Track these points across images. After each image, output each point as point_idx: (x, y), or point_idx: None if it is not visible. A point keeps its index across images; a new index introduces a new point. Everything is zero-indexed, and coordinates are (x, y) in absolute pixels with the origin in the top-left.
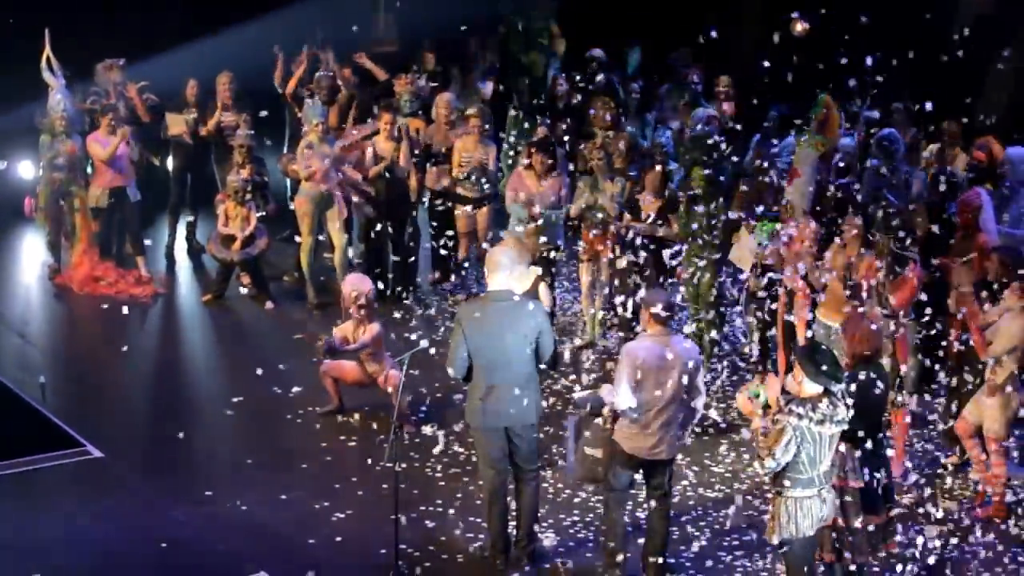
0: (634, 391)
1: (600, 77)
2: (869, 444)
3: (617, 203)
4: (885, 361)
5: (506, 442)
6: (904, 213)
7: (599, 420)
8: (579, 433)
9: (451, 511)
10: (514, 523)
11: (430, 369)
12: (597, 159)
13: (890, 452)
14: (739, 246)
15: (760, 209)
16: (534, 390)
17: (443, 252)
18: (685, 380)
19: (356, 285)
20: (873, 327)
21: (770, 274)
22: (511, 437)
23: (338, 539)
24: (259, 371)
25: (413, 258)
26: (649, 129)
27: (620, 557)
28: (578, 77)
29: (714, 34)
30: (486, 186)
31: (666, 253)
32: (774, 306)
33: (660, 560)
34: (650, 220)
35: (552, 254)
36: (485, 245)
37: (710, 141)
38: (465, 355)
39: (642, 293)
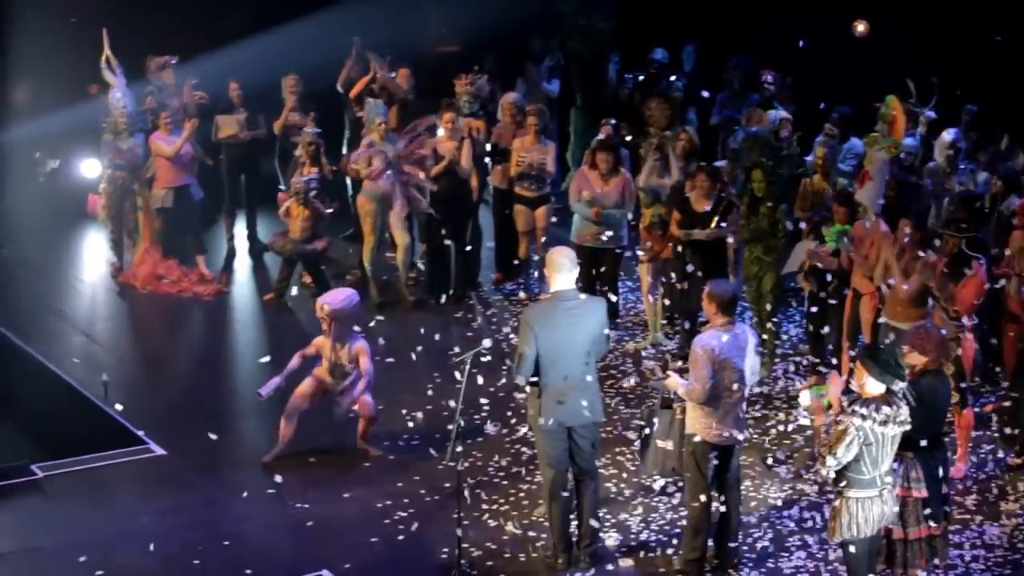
0: (712, 381)
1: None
2: (931, 452)
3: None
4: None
5: (568, 442)
6: (960, 210)
7: (670, 411)
8: (650, 424)
9: (513, 511)
10: (576, 523)
11: (491, 368)
12: (653, 159)
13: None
14: (796, 248)
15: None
16: (597, 389)
17: (506, 251)
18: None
19: (323, 299)
20: (943, 332)
21: (828, 276)
22: (574, 436)
23: (400, 538)
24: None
25: (475, 258)
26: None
27: (703, 549)
28: (641, 77)
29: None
30: (544, 185)
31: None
32: (831, 301)
33: (732, 547)
34: (714, 224)
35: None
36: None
37: (776, 142)
38: (534, 356)
39: (708, 286)
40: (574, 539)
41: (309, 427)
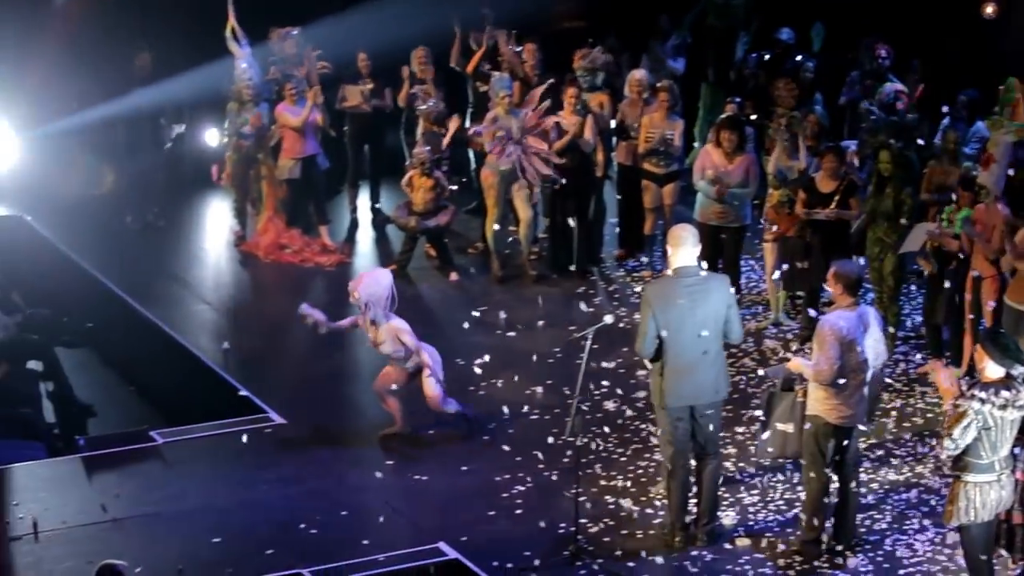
0: (839, 362)
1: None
2: None
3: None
4: None
5: (690, 420)
6: None
7: (791, 394)
8: (770, 408)
9: (631, 487)
10: (694, 501)
11: (613, 344)
12: (780, 138)
13: None
14: (915, 229)
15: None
16: (721, 368)
17: (629, 228)
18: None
19: (352, 285)
20: None
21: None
22: (696, 416)
23: (517, 512)
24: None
25: (597, 233)
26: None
27: (820, 530)
28: (767, 56)
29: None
30: (673, 162)
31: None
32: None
33: (850, 529)
34: (835, 204)
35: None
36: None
37: (897, 118)
38: (654, 334)
39: (834, 266)
40: (692, 518)
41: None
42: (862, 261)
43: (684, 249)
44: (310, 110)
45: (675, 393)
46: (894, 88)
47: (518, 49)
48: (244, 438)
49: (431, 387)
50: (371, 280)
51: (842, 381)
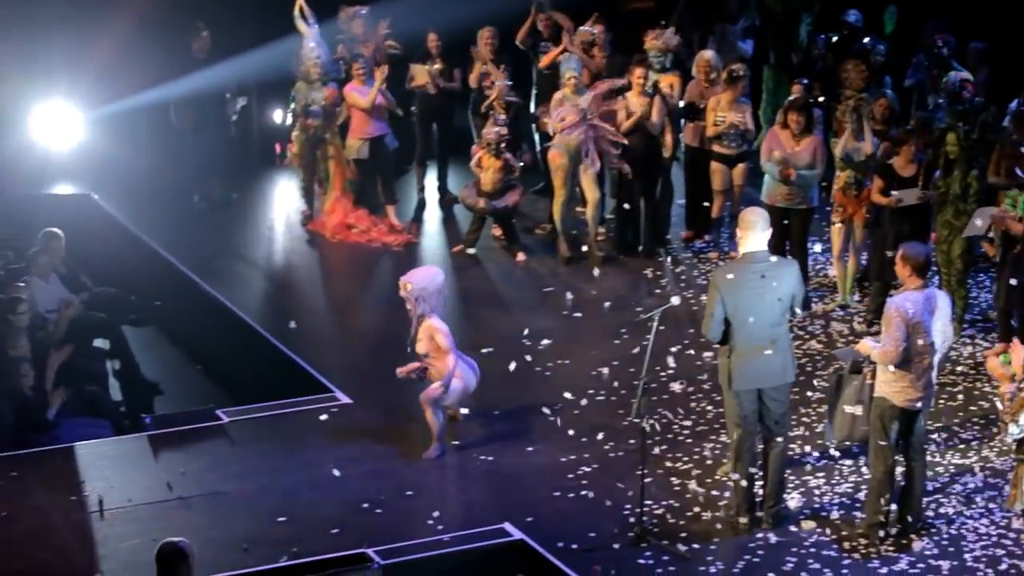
0: (905, 344)
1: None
2: None
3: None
4: None
5: (758, 403)
6: None
7: (859, 376)
8: (839, 390)
9: (697, 469)
10: (760, 484)
11: (679, 326)
12: (850, 120)
13: None
14: (979, 212)
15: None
16: (789, 352)
17: (696, 209)
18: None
19: (406, 276)
20: None
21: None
22: (764, 398)
23: (583, 493)
24: (508, 322)
25: (665, 214)
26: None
27: (886, 513)
28: (834, 38)
29: None
30: (743, 143)
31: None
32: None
33: (916, 512)
34: (920, 188)
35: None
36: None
37: (964, 107)
38: (722, 317)
39: (902, 249)
40: (757, 500)
41: (491, 381)
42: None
43: (754, 233)
44: (377, 91)
45: (743, 376)
46: (959, 77)
47: (592, 30)
48: (323, 416)
49: (434, 389)
50: (425, 274)
51: (908, 363)
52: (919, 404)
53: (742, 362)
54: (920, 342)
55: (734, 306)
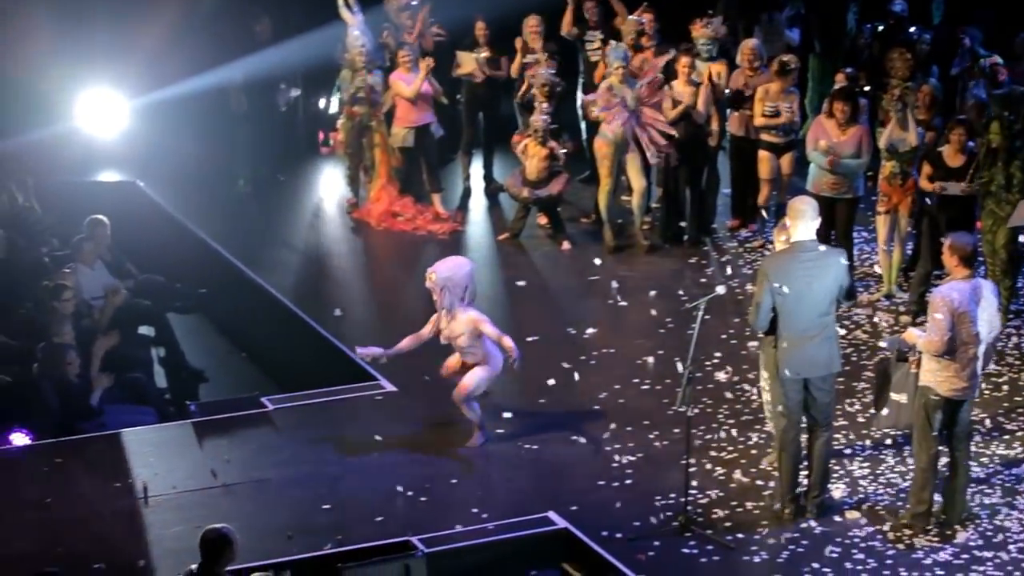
0: (950, 334)
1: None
2: None
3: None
4: None
5: (803, 393)
6: None
7: (905, 365)
8: (885, 379)
9: (741, 459)
10: (805, 473)
11: (724, 315)
12: (895, 110)
13: None
14: (1021, 204)
15: None
16: (835, 342)
17: (742, 198)
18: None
19: (433, 267)
20: None
21: None
22: (810, 388)
23: (627, 482)
24: (554, 311)
25: (711, 203)
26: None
27: (930, 503)
28: (880, 27)
29: None
30: (791, 132)
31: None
32: None
33: (961, 502)
34: (969, 178)
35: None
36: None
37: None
38: (770, 307)
39: (949, 238)
40: (802, 490)
41: (536, 370)
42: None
43: (803, 223)
44: (423, 79)
45: (790, 365)
46: (990, 60)
47: (642, 19)
48: (378, 397)
49: (473, 379)
50: (451, 264)
51: (953, 353)
52: (963, 394)
53: (789, 351)
54: (965, 332)
55: (782, 295)
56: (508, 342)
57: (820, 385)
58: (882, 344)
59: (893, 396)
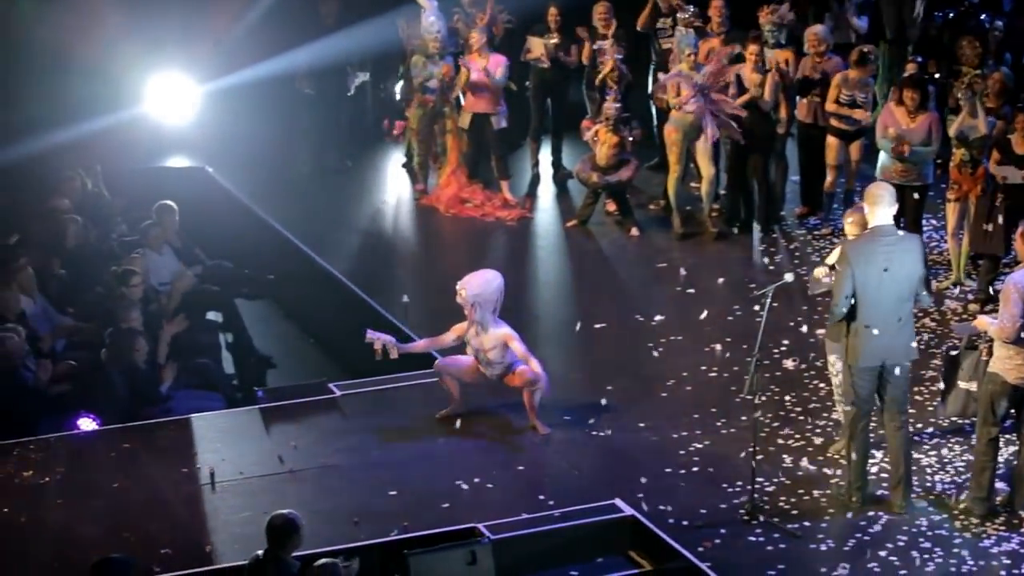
0: (1022, 320)
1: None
2: None
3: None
4: None
5: (877, 381)
6: None
7: (975, 352)
8: (954, 366)
9: (808, 447)
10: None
11: (792, 303)
12: (965, 99)
13: None
14: None
15: None
16: (911, 329)
17: (810, 185)
18: None
19: (462, 283)
20: None
21: None
22: (885, 376)
23: (695, 469)
24: (622, 298)
25: (779, 191)
26: (1006, 67)
27: (988, 488)
28: (951, 14)
29: None
30: (859, 120)
31: None
32: None
33: None
34: None
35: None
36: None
37: None
38: (851, 292)
39: (1021, 225)
40: (870, 478)
41: (604, 357)
42: None
43: (881, 208)
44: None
45: (868, 353)
46: None
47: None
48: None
49: (537, 367)
50: (480, 280)
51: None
52: None
53: (867, 338)
54: None
55: (863, 281)
56: (535, 364)
57: (896, 372)
58: (952, 331)
59: (962, 384)
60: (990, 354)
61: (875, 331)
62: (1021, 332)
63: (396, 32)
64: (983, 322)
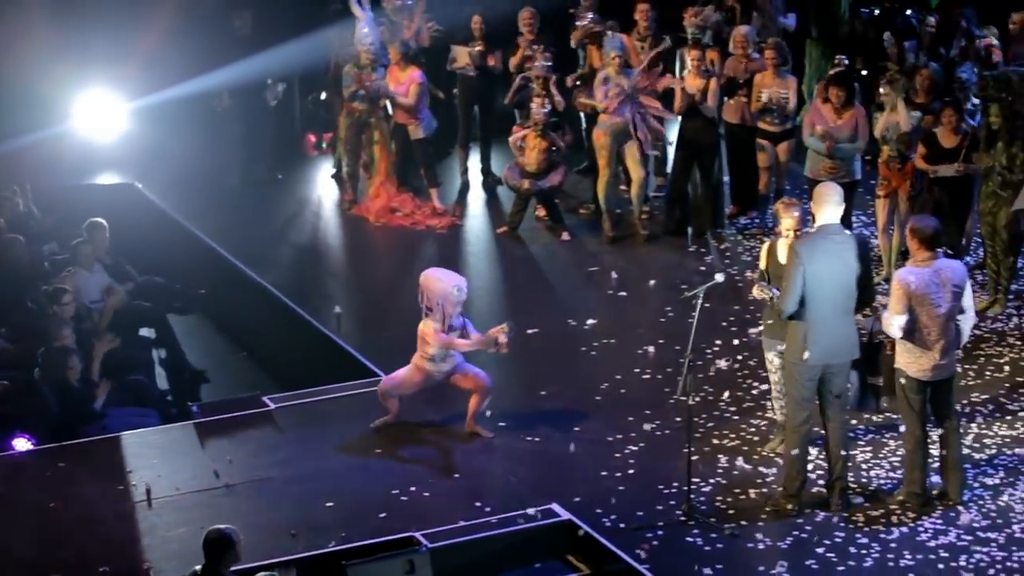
0: (909, 316)
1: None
2: None
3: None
4: None
5: (819, 379)
6: None
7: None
8: (866, 361)
9: (744, 446)
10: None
11: (724, 303)
12: (898, 93)
13: None
14: None
15: None
16: (854, 327)
17: (740, 186)
18: (955, 301)
19: (457, 280)
20: None
21: None
22: (828, 375)
23: (630, 472)
24: (554, 302)
25: (720, 195)
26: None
27: (922, 482)
28: (876, 12)
29: None
30: (787, 120)
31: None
32: None
33: (957, 481)
34: (960, 160)
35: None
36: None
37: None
38: (801, 289)
39: (911, 221)
40: (809, 477)
41: (537, 362)
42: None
43: (829, 207)
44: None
45: (816, 351)
46: (984, 41)
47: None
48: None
49: (483, 377)
50: (441, 286)
51: (914, 335)
52: (934, 374)
53: (814, 336)
54: (925, 315)
55: (813, 280)
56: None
57: (839, 371)
58: (860, 323)
59: (869, 379)
60: (893, 349)
61: (824, 328)
62: (910, 327)
63: (320, 43)
64: (882, 318)
